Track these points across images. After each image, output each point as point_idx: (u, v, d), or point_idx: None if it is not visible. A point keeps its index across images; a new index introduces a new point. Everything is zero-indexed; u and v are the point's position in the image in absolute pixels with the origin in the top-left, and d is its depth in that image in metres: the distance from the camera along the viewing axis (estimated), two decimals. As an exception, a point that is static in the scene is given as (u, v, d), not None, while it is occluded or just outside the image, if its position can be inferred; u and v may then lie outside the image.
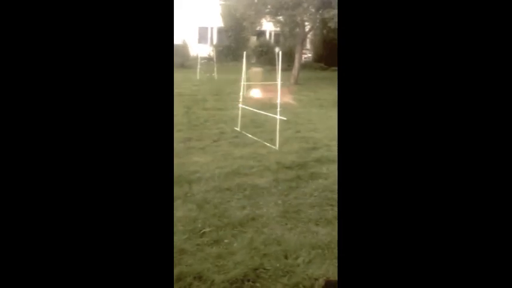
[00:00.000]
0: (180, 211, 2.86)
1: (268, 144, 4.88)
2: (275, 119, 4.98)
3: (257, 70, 12.59)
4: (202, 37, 20.16)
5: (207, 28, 20.16)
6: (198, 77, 12.64)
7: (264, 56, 18.12)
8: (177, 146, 4.73)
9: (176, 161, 4.11)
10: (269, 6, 11.85)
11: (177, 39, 18.73)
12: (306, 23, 12.53)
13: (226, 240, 2.46)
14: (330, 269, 2.15)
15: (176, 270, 2.09)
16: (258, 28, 20.11)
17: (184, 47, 18.59)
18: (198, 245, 2.40)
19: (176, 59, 16.67)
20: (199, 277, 2.05)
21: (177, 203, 3.00)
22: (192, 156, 4.30)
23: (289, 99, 8.81)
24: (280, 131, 4.90)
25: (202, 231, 2.56)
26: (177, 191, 3.24)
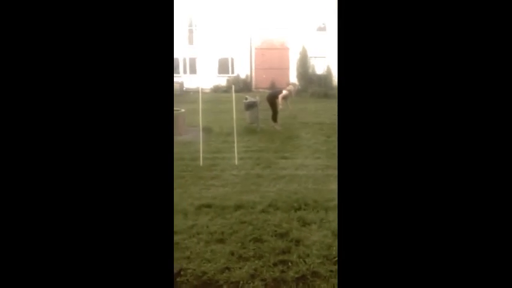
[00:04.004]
0: (315, 236, 2.98)
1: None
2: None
3: None
4: (346, 67, 20.28)
5: (351, 58, 20.18)
6: (339, 107, 12.70)
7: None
8: (315, 172, 4.90)
9: (313, 187, 4.27)
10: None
11: (322, 68, 19.35)
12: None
13: (360, 272, 2.44)
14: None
15: (309, 290, 2.20)
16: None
17: (328, 76, 19.05)
18: (331, 271, 2.45)
19: (319, 89, 17.22)
20: (331, 302, 2.10)
21: (312, 227, 3.14)
22: (330, 184, 4.38)
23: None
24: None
25: (336, 259, 2.60)
26: (313, 216, 3.37)
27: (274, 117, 8.38)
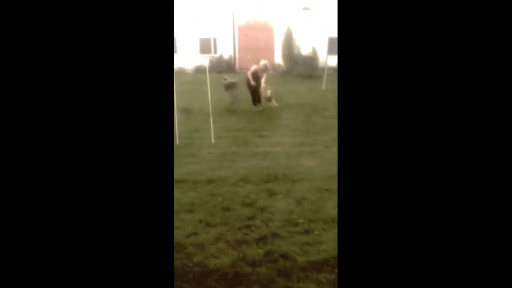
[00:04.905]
0: (280, 204, 3.19)
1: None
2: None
3: None
4: (332, 47, 20.32)
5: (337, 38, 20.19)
6: (323, 87, 12.88)
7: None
8: (290, 149, 5.09)
9: (284, 162, 4.47)
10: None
11: (307, 50, 19.36)
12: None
13: (316, 232, 2.66)
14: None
15: (266, 248, 2.42)
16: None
17: (313, 58, 19.09)
18: (290, 232, 2.67)
19: (304, 70, 17.28)
20: (285, 256, 2.32)
21: (278, 197, 3.34)
22: (301, 159, 4.59)
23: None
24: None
25: (296, 222, 2.82)
26: (280, 187, 3.58)
27: (254, 100, 8.13)
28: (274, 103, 7.88)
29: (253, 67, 8.06)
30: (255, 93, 8.07)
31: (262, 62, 8.25)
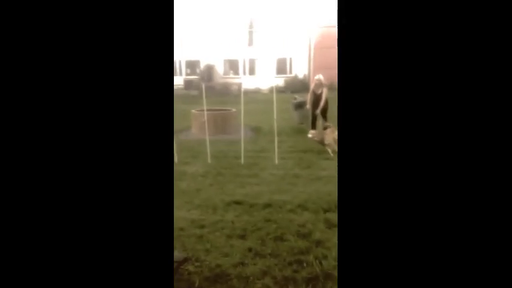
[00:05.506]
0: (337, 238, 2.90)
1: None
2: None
3: None
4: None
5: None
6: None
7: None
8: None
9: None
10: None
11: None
12: None
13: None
14: None
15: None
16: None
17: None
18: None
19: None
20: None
21: (336, 230, 3.05)
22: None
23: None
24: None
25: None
26: (341, 218, 3.28)
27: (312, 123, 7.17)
28: (330, 151, 6.00)
29: (312, 86, 7.19)
30: (312, 116, 7.15)
31: (317, 77, 7.15)
